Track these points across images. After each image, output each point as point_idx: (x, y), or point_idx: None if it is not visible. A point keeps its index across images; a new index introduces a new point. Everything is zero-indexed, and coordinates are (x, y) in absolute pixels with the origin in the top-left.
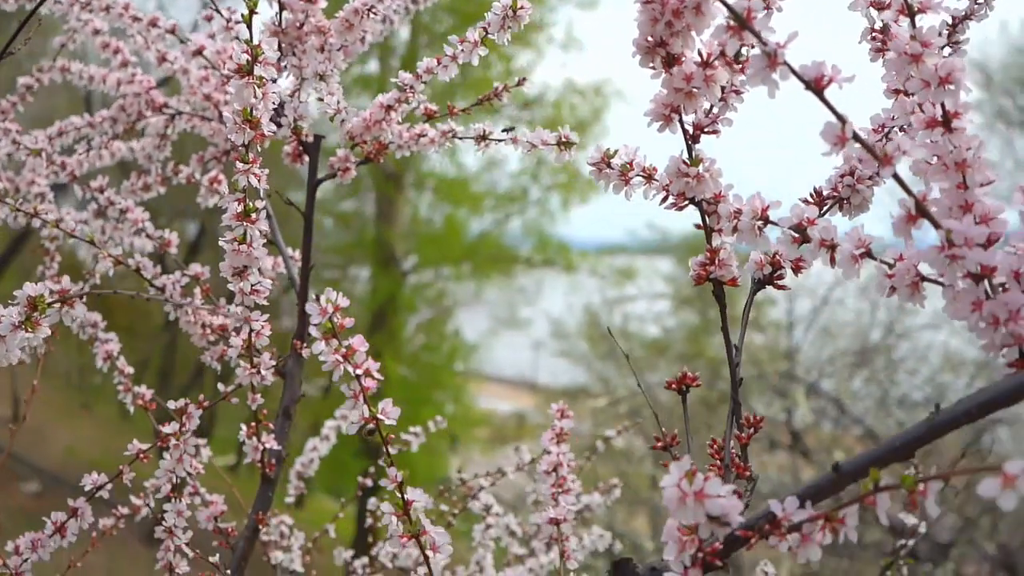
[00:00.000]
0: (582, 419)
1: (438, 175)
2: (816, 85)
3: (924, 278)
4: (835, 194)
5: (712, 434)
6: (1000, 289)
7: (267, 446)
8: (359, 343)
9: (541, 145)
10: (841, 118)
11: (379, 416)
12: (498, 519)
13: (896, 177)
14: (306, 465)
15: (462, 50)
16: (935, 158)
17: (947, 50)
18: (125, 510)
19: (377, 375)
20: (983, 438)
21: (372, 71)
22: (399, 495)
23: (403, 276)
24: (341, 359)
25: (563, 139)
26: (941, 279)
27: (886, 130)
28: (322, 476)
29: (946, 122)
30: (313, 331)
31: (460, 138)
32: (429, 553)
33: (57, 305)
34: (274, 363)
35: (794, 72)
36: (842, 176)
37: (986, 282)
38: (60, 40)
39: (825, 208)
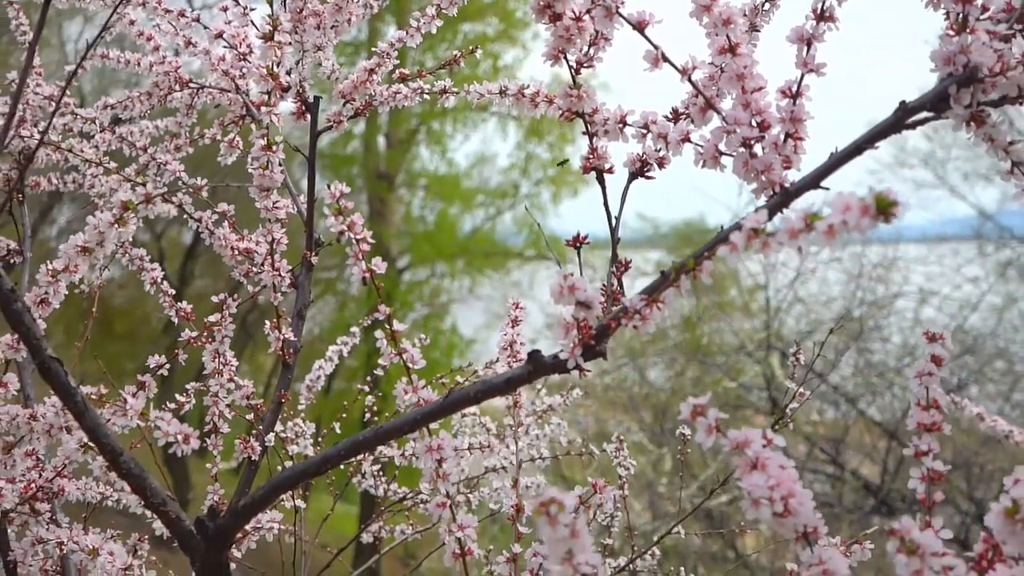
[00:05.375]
0: (587, 412)
1: (429, 173)
2: (640, 26)
3: (722, 152)
4: (686, 111)
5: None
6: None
7: (286, 337)
8: (358, 219)
9: (487, 95)
10: (655, 47)
11: (373, 267)
12: (474, 416)
13: (691, 82)
14: (314, 381)
15: (424, 22)
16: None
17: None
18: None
19: (370, 240)
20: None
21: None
22: (388, 326)
23: (398, 274)
24: (346, 228)
25: (503, 88)
26: (731, 153)
27: None
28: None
29: (731, 49)
30: (325, 209)
31: (427, 94)
32: (409, 364)
33: (144, 204)
34: (291, 268)
35: (625, 19)
36: (691, 97)
37: (759, 149)
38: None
39: (681, 121)
